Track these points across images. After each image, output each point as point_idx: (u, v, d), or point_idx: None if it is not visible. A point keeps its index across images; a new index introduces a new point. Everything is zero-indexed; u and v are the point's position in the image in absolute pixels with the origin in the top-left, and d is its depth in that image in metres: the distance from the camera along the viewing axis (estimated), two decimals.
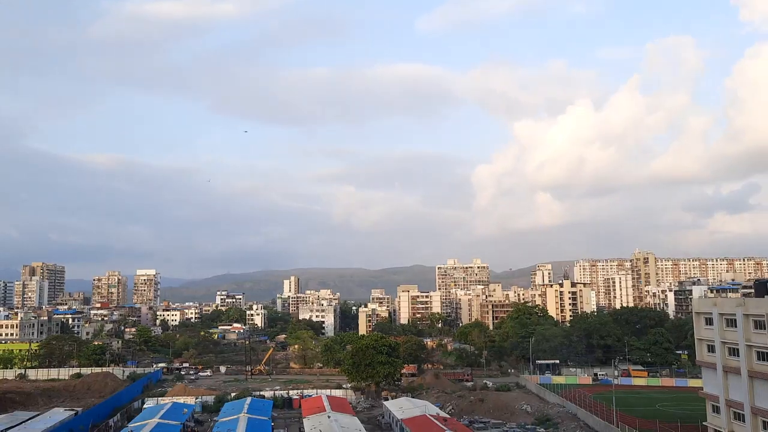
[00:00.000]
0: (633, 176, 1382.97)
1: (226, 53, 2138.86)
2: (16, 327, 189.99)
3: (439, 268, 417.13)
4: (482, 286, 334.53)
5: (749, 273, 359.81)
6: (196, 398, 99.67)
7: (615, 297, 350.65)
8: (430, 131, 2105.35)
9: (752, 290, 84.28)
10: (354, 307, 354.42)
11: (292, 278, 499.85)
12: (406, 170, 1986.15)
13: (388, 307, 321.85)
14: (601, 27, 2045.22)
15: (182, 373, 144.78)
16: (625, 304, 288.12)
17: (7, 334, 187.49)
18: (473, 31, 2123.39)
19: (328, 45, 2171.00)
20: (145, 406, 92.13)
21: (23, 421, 76.61)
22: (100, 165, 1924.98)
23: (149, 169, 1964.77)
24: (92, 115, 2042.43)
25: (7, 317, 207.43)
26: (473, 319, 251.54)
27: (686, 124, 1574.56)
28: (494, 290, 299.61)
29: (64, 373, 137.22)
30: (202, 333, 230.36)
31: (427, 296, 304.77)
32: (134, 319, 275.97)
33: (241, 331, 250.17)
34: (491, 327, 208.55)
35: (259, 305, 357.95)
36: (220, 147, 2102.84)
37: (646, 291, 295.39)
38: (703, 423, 65.63)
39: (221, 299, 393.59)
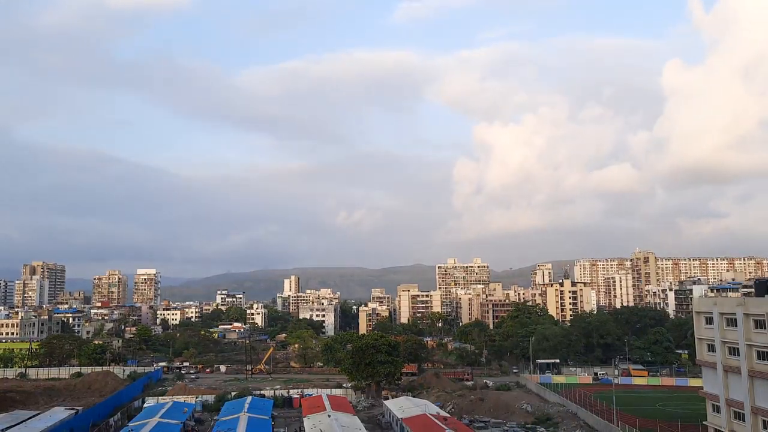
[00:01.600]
0: (590, 185, 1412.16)
1: (188, 50, 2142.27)
2: (17, 326, 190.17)
3: (439, 267, 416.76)
4: (482, 286, 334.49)
5: (750, 272, 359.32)
6: (197, 397, 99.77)
7: (615, 296, 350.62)
8: (410, 130, 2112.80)
9: (752, 289, 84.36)
10: (354, 307, 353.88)
11: (293, 277, 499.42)
12: (397, 169, 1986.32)
13: (388, 306, 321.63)
14: (572, 19, 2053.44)
15: (182, 372, 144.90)
16: (625, 304, 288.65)
17: (7, 333, 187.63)
18: (448, 26, 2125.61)
19: (297, 39, 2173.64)
20: (145, 405, 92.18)
21: (24, 420, 76.53)
22: (96, 163, 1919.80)
23: (145, 168, 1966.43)
24: (72, 113, 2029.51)
25: (7, 316, 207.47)
26: (473, 319, 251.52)
27: (636, 138, 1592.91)
28: (494, 290, 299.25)
29: (65, 372, 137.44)
30: (203, 332, 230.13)
31: (427, 296, 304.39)
32: (134, 318, 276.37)
33: (242, 330, 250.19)
34: (491, 326, 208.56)
35: (260, 304, 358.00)
36: (212, 147, 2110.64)
37: (646, 290, 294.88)
38: (704, 422, 65.64)
39: (221, 298, 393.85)
